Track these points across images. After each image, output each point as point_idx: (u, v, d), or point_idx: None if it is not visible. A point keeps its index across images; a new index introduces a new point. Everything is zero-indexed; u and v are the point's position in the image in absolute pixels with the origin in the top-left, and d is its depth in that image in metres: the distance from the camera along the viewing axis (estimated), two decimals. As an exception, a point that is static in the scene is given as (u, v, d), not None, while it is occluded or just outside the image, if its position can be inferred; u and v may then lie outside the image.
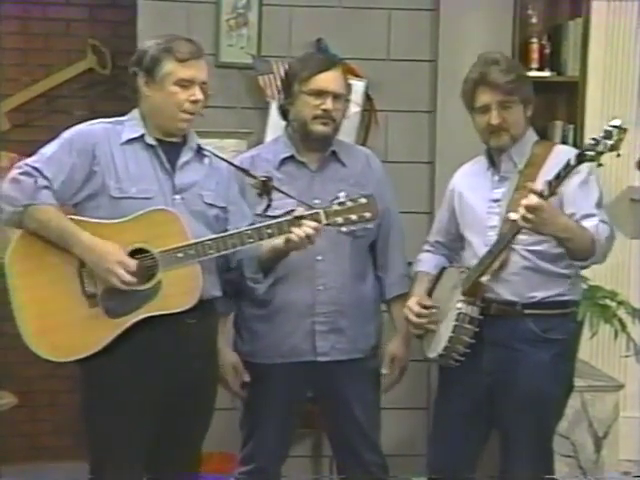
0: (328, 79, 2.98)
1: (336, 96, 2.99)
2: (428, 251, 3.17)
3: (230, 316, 3.13)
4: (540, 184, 2.63)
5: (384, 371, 3.18)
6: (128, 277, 2.61)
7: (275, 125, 3.62)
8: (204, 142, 2.89)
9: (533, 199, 2.56)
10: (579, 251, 2.71)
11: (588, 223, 2.72)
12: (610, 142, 2.47)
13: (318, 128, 3.00)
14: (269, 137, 3.66)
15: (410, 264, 3.21)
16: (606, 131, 2.48)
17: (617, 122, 2.48)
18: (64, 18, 4.57)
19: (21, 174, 2.66)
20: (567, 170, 2.55)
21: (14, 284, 2.68)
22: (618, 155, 2.50)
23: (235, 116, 3.90)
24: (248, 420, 3.12)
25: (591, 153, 2.50)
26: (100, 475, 2.75)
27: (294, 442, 3.30)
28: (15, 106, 4.54)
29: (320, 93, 2.97)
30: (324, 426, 3.27)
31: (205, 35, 3.85)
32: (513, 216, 2.65)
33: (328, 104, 2.97)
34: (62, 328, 2.66)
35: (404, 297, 3.11)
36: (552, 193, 2.58)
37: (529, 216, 2.57)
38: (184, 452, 2.82)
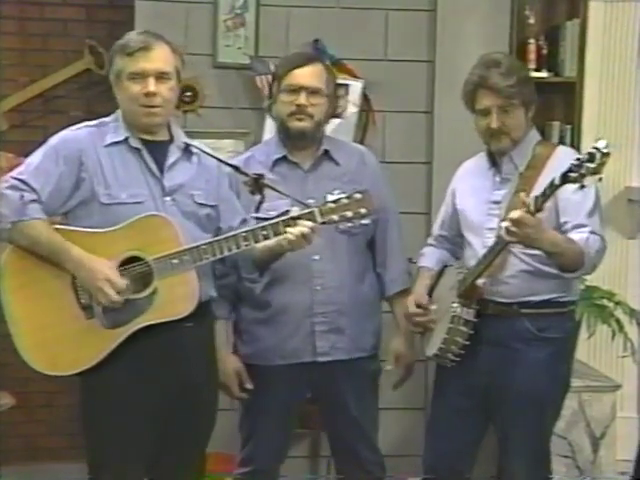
0: (302, 74, 2.95)
1: (312, 91, 2.95)
2: (431, 245, 3.17)
3: (231, 321, 3.10)
4: (532, 197, 2.61)
5: (389, 367, 3.16)
6: (115, 297, 2.57)
7: (272, 125, 3.61)
8: (202, 143, 2.87)
9: (517, 212, 2.56)
10: (567, 264, 2.71)
11: (578, 235, 2.72)
12: (592, 165, 2.44)
13: (294, 124, 2.96)
14: (266, 137, 3.64)
15: (410, 260, 3.20)
16: (589, 153, 2.45)
17: (602, 144, 2.44)
18: (61, 18, 4.55)
19: (8, 188, 2.61)
20: (552, 189, 2.55)
21: (7, 299, 2.63)
22: (600, 180, 2.46)
23: (232, 116, 3.90)
24: (247, 422, 3.11)
25: (574, 175, 2.47)
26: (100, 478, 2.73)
27: (292, 442, 3.29)
28: (12, 106, 4.53)
29: (294, 89, 2.95)
30: (323, 425, 3.27)
31: (202, 35, 3.86)
32: (502, 226, 2.64)
33: (301, 99, 2.94)
34: (59, 341, 2.62)
35: (405, 293, 3.10)
36: (538, 209, 2.57)
37: (513, 229, 2.57)
38: (187, 455, 2.81)
